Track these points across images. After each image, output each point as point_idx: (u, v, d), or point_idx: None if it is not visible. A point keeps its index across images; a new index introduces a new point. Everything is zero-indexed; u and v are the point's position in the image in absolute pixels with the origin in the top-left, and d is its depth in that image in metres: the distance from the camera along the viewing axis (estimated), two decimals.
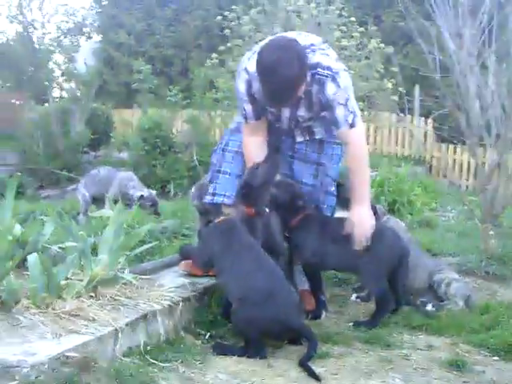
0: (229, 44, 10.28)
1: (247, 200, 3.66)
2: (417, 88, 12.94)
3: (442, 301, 4.19)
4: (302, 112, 3.81)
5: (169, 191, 9.10)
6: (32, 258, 3.11)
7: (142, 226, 4.33)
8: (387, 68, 10.69)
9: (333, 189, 4.12)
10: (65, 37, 21.38)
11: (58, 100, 14.02)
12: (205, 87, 10.04)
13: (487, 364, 3.27)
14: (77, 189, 6.66)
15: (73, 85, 13.83)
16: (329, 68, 3.65)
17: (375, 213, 4.34)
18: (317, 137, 3.98)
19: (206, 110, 9.94)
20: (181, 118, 10.77)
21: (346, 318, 3.98)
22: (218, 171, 4.06)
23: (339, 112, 3.67)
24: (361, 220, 3.76)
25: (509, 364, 3.28)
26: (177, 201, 8.14)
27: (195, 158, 9.00)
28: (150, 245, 3.80)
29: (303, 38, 3.79)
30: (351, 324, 3.79)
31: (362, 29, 10.46)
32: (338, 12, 10.18)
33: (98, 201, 6.60)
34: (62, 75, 15.84)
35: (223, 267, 3.44)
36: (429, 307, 4.14)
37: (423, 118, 13.24)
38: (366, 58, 10.34)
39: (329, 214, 4.17)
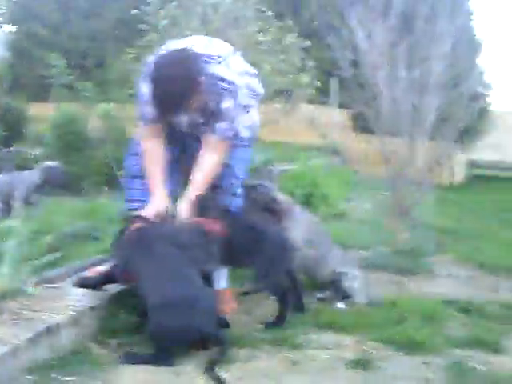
0: (146, 38, 10.14)
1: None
2: (333, 81, 13.13)
3: (346, 295, 4.27)
4: (196, 116, 3.85)
5: (82, 189, 8.91)
6: None
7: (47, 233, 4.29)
8: (304, 62, 10.78)
9: (239, 191, 4.15)
10: None
11: None
12: (121, 82, 9.90)
13: (391, 360, 3.35)
14: None
15: None
16: (231, 83, 3.75)
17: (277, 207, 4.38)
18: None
19: (121, 104, 9.76)
20: (95, 113, 10.55)
21: (255, 318, 3.99)
22: (130, 176, 4.05)
23: (222, 125, 3.79)
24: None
25: (411, 359, 3.38)
26: (91, 198, 7.98)
27: (110, 154, 8.83)
28: (56, 255, 3.71)
29: (212, 46, 3.88)
30: (261, 325, 3.82)
31: (279, 23, 10.50)
32: (256, 7, 10.17)
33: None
34: None
35: (138, 274, 3.42)
36: (340, 305, 4.22)
37: (338, 110, 13.45)
38: (283, 52, 10.39)
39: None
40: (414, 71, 5.30)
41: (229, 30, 9.57)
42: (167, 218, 3.75)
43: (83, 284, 3.66)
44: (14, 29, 19.63)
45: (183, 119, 3.88)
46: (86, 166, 9.05)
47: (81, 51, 17.53)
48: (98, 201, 6.88)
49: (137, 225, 3.61)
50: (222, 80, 3.74)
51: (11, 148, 11.16)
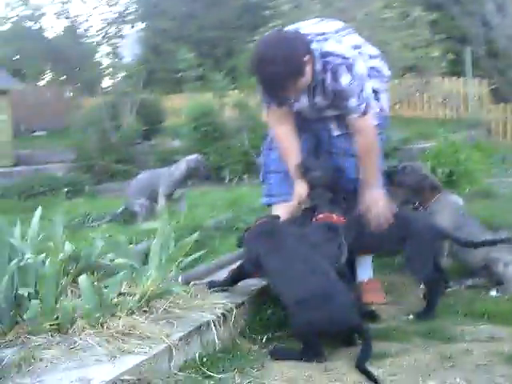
0: (270, 24, 10.16)
1: (334, 207, 3.70)
2: (468, 50, 12.55)
3: (499, 282, 4.07)
4: (318, 99, 3.77)
5: (223, 177, 9.11)
6: (83, 279, 3.14)
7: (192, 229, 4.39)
8: (433, 35, 10.41)
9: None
10: (110, 27, 21.55)
11: (109, 90, 14.11)
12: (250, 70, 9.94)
13: None
14: (129, 203, 6.57)
15: (121, 75, 13.95)
16: (343, 56, 3.63)
17: (435, 187, 4.26)
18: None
19: (252, 92, 9.85)
20: (229, 102, 10.74)
21: (404, 309, 3.88)
22: (268, 172, 4.07)
23: (352, 102, 3.67)
24: (372, 201, 3.77)
25: None
26: (232, 188, 8.12)
27: (247, 142, 8.95)
28: (201, 252, 3.78)
29: (319, 25, 3.80)
30: (410, 317, 3.71)
31: None
32: None
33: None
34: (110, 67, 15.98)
35: (271, 270, 3.42)
36: (493, 292, 4.03)
37: (476, 80, 12.84)
38: (410, 27, 10.08)
39: None
40: None
41: (353, 10, 9.39)
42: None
43: (213, 287, 3.68)
44: (143, 26, 20.31)
45: (303, 103, 3.81)
46: (225, 156, 9.24)
47: (210, 41, 17.88)
48: (239, 190, 6.98)
49: (265, 220, 3.65)
50: (332, 55, 3.63)
51: (151, 141, 11.61)
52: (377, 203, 3.77)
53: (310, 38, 3.65)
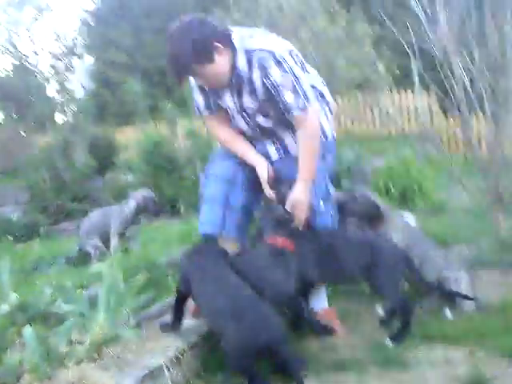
0: None
1: (285, 230, 3.66)
2: (413, 61, 12.71)
3: (452, 300, 4.07)
4: (246, 100, 3.68)
5: (179, 210, 9.05)
6: (27, 330, 3.06)
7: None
8: (378, 50, 10.57)
9: (322, 207, 3.88)
10: (59, 61, 21.41)
11: (60, 126, 13.97)
12: None
13: (509, 376, 3.14)
14: (82, 244, 6.47)
15: (72, 110, 13.83)
16: (269, 51, 3.54)
17: (379, 214, 4.28)
18: (293, 153, 3.80)
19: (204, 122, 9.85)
20: (180, 132, 10.73)
21: (361, 337, 3.82)
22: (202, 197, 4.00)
23: (288, 97, 3.56)
24: (301, 202, 3.70)
25: None
26: (188, 220, 8.05)
27: (198, 173, 8.93)
28: (150, 295, 3.72)
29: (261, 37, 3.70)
30: (367, 345, 3.68)
31: (346, 13, 10.33)
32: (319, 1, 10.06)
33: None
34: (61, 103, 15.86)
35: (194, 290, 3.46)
36: (447, 313, 4.02)
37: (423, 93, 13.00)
38: (355, 43, 10.22)
39: None
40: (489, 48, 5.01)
41: (297, 29, 9.49)
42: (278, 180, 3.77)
43: (166, 329, 3.61)
44: (92, 59, 20.24)
45: (227, 103, 3.73)
46: (178, 188, 9.19)
47: (160, 70, 17.84)
48: (194, 221, 6.91)
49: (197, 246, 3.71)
50: (258, 50, 3.54)
51: (105, 177, 11.51)
52: (301, 201, 3.69)
53: (234, 37, 3.58)
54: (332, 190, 4.07)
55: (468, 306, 4.00)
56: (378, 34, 10.89)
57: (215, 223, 3.85)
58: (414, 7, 5.11)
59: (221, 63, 3.55)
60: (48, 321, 3.62)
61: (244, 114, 3.77)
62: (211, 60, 3.50)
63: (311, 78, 3.88)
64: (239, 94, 3.69)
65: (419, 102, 12.98)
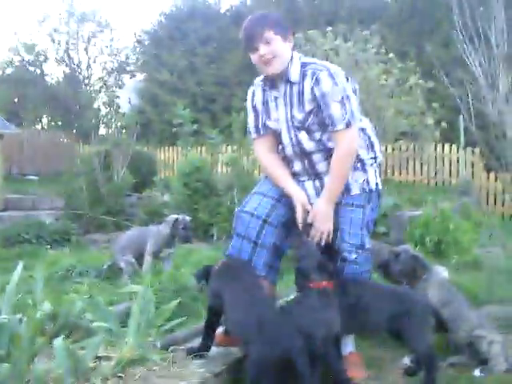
0: None
1: (326, 274, 3.60)
2: (461, 118, 12.72)
3: (483, 360, 4.00)
4: (295, 110, 3.74)
5: (212, 235, 9.06)
6: (58, 342, 3.07)
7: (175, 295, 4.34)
8: (429, 103, 10.56)
9: (353, 256, 3.83)
10: (109, 76, 21.81)
11: (103, 139, 14.15)
12: (244, 129, 10.06)
13: None
14: (115, 259, 6.49)
15: (117, 125, 14.01)
16: (324, 66, 3.67)
17: (425, 268, 4.23)
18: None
19: (246, 151, 9.92)
20: (222, 159, 10.81)
21: None
22: (234, 233, 3.96)
23: (335, 109, 3.61)
24: (323, 214, 3.74)
25: None
26: (219, 246, 8.06)
27: (236, 200, 8.94)
28: (179, 320, 3.71)
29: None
30: None
31: (401, 64, 10.37)
32: (375, 50, 10.10)
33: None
34: (107, 116, 16.10)
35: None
36: (477, 372, 3.96)
37: (469, 148, 12.96)
38: (407, 94, 10.23)
39: None
40: None
41: (351, 75, 9.54)
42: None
43: (191, 353, 3.60)
44: (142, 77, 20.56)
45: (282, 116, 3.79)
46: (214, 213, 9.20)
47: (207, 96, 18.04)
48: (224, 248, 6.91)
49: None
50: (314, 63, 3.70)
51: (141, 194, 11.59)
52: (324, 218, 3.74)
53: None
54: (368, 242, 3.95)
55: (499, 366, 3.93)
56: (429, 87, 10.91)
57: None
58: (473, 68, 5.12)
59: (288, 49, 3.70)
60: (77, 333, 3.64)
61: (290, 125, 3.80)
62: (285, 36, 3.68)
63: (363, 124, 3.92)
64: (290, 104, 3.75)
65: (463, 156, 12.94)
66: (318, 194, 3.84)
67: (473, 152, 12.87)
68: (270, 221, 3.86)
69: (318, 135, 3.76)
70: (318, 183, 3.88)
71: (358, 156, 3.79)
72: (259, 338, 3.14)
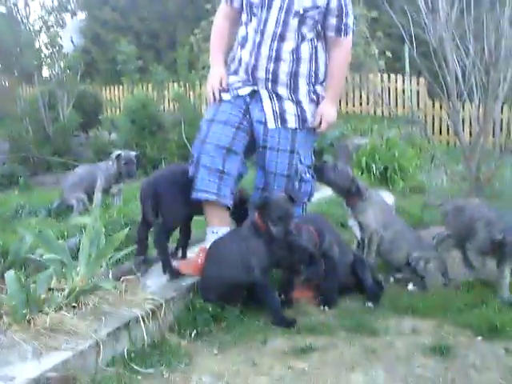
0: (211, 18, 10.15)
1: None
2: (406, 47, 12.77)
3: (422, 277, 4.22)
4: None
5: None
6: (10, 275, 3.11)
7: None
8: (373, 33, 10.59)
9: (308, 175, 4.18)
10: (49, 15, 21.11)
11: (48, 78, 13.83)
12: (189, 64, 9.99)
13: (470, 346, 3.28)
14: (66, 197, 6.47)
15: (60, 65, 13.67)
16: None
17: (361, 192, 4.34)
18: (289, 125, 3.97)
19: (192, 87, 9.87)
20: (167, 95, 10.74)
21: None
22: (198, 163, 3.99)
23: (350, 19, 3.89)
24: (328, 112, 4.02)
25: (491, 345, 3.28)
26: None
27: (184, 136, 8.93)
28: (129, 249, 3.76)
29: None
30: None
31: None
32: None
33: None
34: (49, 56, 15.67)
35: None
36: (410, 287, 4.17)
37: (414, 77, 13.05)
38: None
39: (305, 201, 4.27)
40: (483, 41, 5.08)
41: None
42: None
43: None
44: (84, 16, 19.98)
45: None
46: (162, 149, 9.19)
47: (151, 33, 17.70)
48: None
49: None
50: None
51: (89, 133, 11.46)
52: (329, 115, 4.02)
53: None
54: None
55: (434, 282, 4.19)
56: (373, 16, 10.92)
57: (211, 191, 3.93)
58: None
59: None
60: (28, 268, 3.68)
61: (281, 16, 3.81)
62: None
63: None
64: None
65: (408, 85, 13.03)
66: (276, 119, 3.95)
67: (418, 81, 12.97)
68: (233, 149, 3.96)
69: (307, 33, 3.86)
70: (276, 106, 3.94)
71: (315, 90, 3.99)
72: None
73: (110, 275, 3.62)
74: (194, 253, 4.09)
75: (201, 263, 3.85)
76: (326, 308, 3.84)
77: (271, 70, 3.87)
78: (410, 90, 13.03)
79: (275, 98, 3.95)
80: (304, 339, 3.35)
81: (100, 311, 3.23)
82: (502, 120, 6.51)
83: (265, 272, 3.64)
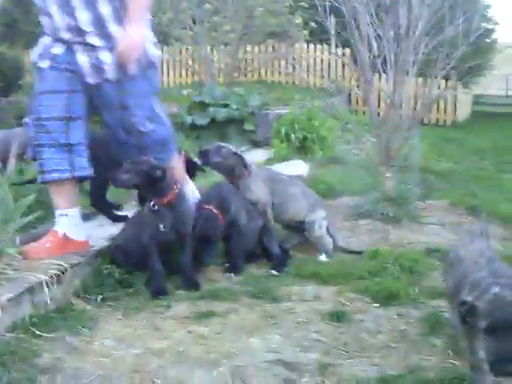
0: None
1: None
2: (331, 19, 12.87)
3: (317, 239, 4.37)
4: None
5: None
6: None
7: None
8: (297, 2, 10.64)
9: (150, 126, 3.85)
10: None
11: None
12: None
13: (366, 312, 3.41)
14: None
15: None
16: None
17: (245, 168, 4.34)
18: (109, 76, 3.67)
19: None
20: None
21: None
22: (40, 145, 3.70)
23: None
24: (128, 34, 3.57)
25: (386, 310, 3.42)
26: None
27: None
28: (36, 215, 3.72)
29: None
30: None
31: None
32: None
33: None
34: None
35: None
36: (322, 257, 4.28)
37: (340, 49, 13.20)
38: None
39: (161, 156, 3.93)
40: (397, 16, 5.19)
41: None
42: None
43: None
44: None
45: None
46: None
47: None
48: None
49: None
50: None
51: (9, 98, 11.16)
52: (128, 38, 3.57)
53: None
54: (159, 108, 3.99)
55: (329, 246, 4.36)
56: None
57: (63, 168, 3.69)
58: None
59: None
60: None
61: None
62: None
63: None
64: None
65: (333, 57, 13.20)
66: (94, 72, 3.66)
67: (343, 53, 13.12)
68: (72, 116, 3.68)
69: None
70: (92, 58, 3.64)
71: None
72: None
73: (17, 241, 3.60)
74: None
75: (49, 247, 3.67)
76: (232, 275, 3.93)
77: (73, 23, 3.56)
78: (335, 62, 13.20)
79: (89, 50, 3.63)
80: (206, 305, 3.43)
81: (3, 277, 3.22)
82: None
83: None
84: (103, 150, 4.08)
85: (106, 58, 3.63)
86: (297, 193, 4.44)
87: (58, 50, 3.65)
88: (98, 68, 3.65)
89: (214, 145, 4.40)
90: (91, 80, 3.68)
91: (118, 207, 4.71)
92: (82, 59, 3.64)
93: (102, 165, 4.02)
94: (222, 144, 4.46)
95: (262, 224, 4.20)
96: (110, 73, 3.65)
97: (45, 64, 3.67)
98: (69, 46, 3.63)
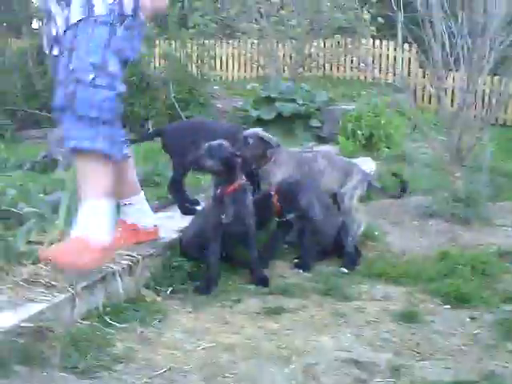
0: None
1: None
2: (399, 14, 12.68)
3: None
4: None
5: (148, 129, 9.06)
6: None
7: None
8: None
9: (91, 76, 2.99)
10: None
11: (36, 32, 13.67)
12: (180, 22, 9.95)
13: (437, 313, 3.37)
14: (51, 152, 6.43)
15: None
16: None
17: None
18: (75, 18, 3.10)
19: (182, 45, 9.82)
20: (157, 53, 10.67)
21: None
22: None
23: None
24: None
25: (458, 313, 3.37)
26: (154, 141, 8.08)
27: (173, 95, 8.91)
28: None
29: None
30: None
31: None
32: None
33: None
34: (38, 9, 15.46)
35: None
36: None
37: (407, 45, 12.99)
38: None
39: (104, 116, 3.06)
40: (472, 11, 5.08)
41: None
42: None
43: None
44: None
45: None
46: (150, 108, 9.16)
47: None
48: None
49: None
50: None
51: None
52: None
53: None
54: (114, 66, 3.09)
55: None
56: None
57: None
58: None
59: None
60: (8, 221, 3.72)
61: None
62: None
63: None
64: None
65: (400, 53, 12.99)
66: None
67: (410, 49, 12.92)
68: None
69: None
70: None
71: None
72: None
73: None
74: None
75: (119, 237, 3.55)
76: (301, 271, 3.92)
77: None
78: (402, 58, 13.00)
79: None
80: (275, 300, 3.43)
81: None
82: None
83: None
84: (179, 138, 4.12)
85: None
86: (321, 168, 4.39)
87: None
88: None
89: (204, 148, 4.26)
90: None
91: (195, 202, 4.68)
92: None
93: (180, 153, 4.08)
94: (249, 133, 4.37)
95: (340, 221, 4.18)
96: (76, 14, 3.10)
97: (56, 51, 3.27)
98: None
